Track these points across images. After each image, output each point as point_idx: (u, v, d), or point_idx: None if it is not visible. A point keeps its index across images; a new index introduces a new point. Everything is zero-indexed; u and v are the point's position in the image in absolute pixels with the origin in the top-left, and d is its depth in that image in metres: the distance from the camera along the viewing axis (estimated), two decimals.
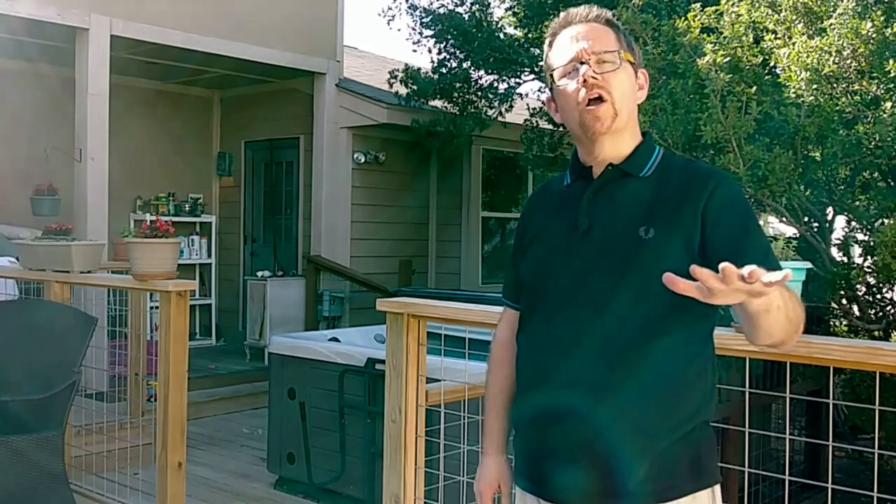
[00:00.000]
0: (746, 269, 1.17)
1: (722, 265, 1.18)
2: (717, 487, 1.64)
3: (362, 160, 8.65)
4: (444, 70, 8.16)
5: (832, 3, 4.04)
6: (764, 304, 1.32)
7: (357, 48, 12.45)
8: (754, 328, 1.42)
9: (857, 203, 4.57)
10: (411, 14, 8.31)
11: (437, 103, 8.33)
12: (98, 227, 6.63)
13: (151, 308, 6.24)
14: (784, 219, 4.42)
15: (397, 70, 8.20)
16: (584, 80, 1.62)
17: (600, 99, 1.63)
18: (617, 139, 1.67)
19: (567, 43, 1.68)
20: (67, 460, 4.04)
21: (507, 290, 1.90)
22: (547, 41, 1.75)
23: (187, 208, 9.08)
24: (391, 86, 8.32)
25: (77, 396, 3.84)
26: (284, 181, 9.25)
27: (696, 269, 1.20)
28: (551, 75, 1.71)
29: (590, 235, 1.65)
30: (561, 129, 7.86)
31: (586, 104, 1.63)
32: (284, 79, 8.76)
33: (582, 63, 1.64)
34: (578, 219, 1.67)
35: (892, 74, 3.76)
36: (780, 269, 1.52)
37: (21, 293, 5.29)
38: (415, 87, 8.06)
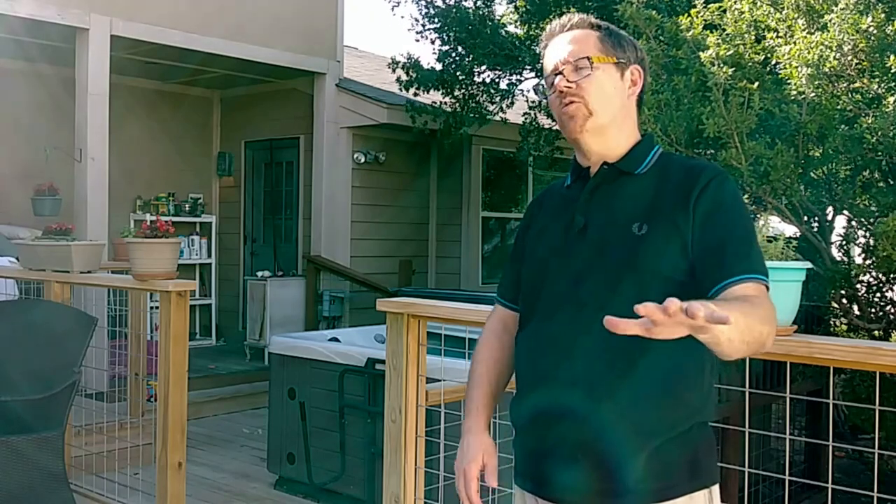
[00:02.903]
0: (688, 305, 1.17)
1: (667, 301, 1.18)
2: (716, 488, 1.64)
3: (362, 160, 8.65)
4: (446, 61, 8.15)
5: (833, 0, 4.04)
6: (712, 339, 1.31)
7: (357, 48, 12.44)
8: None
9: (858, 202, 4.57)
10: (416, 3, 8.29)
11: (438, 97, 8.32)
12: (98, 227, 6.63)
13: (151, 308, 6.24)
14: (784, 218, 4.42)
15: (399, 57, 8.15)
16: (560, 91, 1.68)
17: (573, 103, 1.68)
18: (603, 138, 1.70)
19: (550, 54, 1.74)
20: (67, 460, 4.04)
21: (501, 290, 1.91)
22: (542, 55, 1.80)
23: (187, 208, 9.07)
24: (392, 71, 8.24)
25: (77, 396, 3.84)
26: (284, 181, 9.24)
27: (639, 307, 1.20)
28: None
29: (586, 233, 1.67)
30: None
31: (562, 108, 1.69)
32: (284, 79, 8.76)
33: (557, 73, 1.70)
34: (575, 217, 1.69)
35: (893, 71, 3.75)
36: (763, 272, 1.55)
37: (21, 293, 5.29)
38: (416, 76, 8.04)
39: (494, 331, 1.89)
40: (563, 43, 1.72)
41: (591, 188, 1.70)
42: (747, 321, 1.37)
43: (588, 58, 1.67)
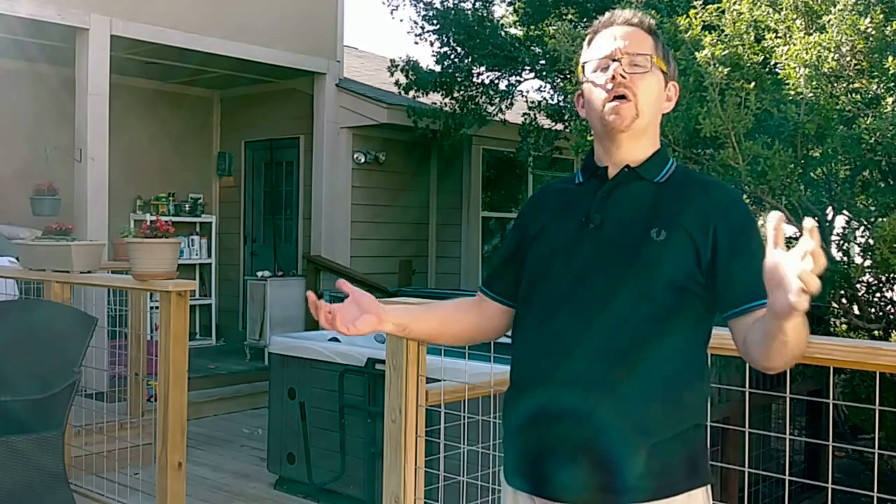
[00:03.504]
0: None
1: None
2: (709, 488, 1.67)
3: (362, 160, 8.65)
4: (445, 63, 8.15)
5: (832, 0, 4.04)
6: (777, 328, 1.33)
7: (357, 48, 12.44)
8: (762, 350, 1.45)
9: (857, 202, 4.57)
10: (415, 6, 8.30)
11: (437, 98, 8.32)
12: (98, 227, 6.63)
13: (151, 308, 6.24)
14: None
15: (398, 60, 8.15)
16: (613, 77, 1.66)
17: (624, 98, 1.66)
18: (635, 142, 1.70)
19: (605, 40, 1.72)
20: (67, 460, 4.04)
21: (486, 280, 1.90)
22: (587, 39, 1.78)
23: (187, 208, 9.07)
24: (391, 74, 8.25)
25: (77, 396, 3.84)
26: (284, 181, 9.24)
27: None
28: (583, 68, 1.75)
29: (601, 231, 1.67)
30: (559, 125, 7.87)
31: (610, 100, 1.66)
32: (284, 79, 8.76)
33: (614, 60, 1.67)
34: (591, 214, 1.69)
35: (891, 72, 3.76)
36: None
37: (21, 293, 5.29)
38: (415, 78, 8.05)
39: (468, 300, 1.92)
40: (621, 34, 1.70)
41: (609, 187, 1.70)
42: (800, 330, 1.37)
43: (650, 56, 1.68)
